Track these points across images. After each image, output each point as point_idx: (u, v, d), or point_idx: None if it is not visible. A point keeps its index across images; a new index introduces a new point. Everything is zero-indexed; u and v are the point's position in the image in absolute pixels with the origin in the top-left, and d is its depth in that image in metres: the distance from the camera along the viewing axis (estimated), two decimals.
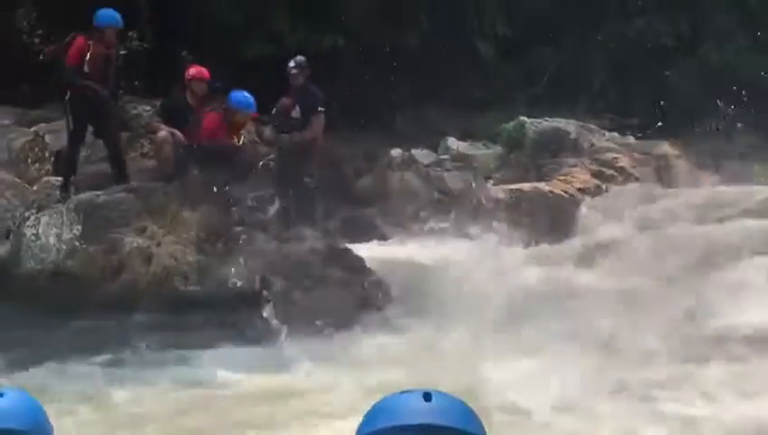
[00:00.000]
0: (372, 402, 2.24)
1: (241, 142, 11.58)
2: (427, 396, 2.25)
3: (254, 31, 16.46)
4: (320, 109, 11.63)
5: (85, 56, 10.67)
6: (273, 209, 12.44)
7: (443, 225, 13.56)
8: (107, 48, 10.95)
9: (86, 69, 10.68)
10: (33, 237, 10.28)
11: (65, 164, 11.22)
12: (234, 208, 10.94)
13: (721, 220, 11.42)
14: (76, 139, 11.00)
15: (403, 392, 2.28)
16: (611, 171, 13.95)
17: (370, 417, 2.24)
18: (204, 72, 11.61)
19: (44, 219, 10.37)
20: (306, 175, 11.72)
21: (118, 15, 11.02)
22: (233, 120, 11.17)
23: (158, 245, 10.19)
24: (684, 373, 8.13)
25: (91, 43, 10.71)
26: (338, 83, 15.34)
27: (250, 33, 16.47)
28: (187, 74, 11.57)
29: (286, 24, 16.60)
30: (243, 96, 11.15)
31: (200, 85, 11.46)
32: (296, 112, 11.73)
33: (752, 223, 11.08)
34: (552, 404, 7.45)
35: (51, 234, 10.27)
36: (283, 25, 16.57)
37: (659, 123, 17.88)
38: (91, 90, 10.60)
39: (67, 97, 10.70)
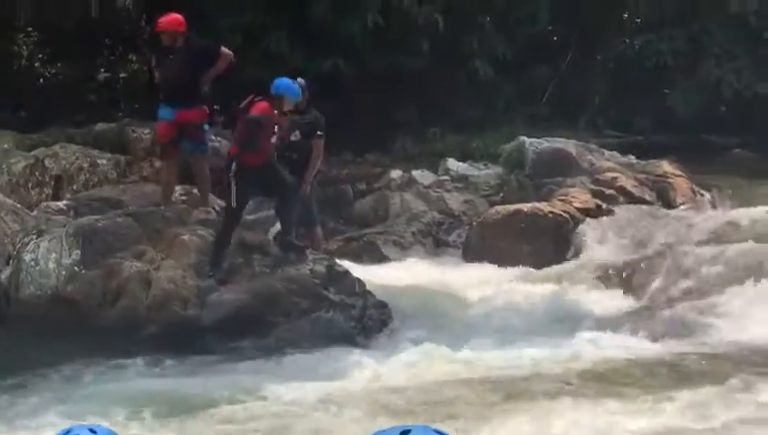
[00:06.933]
0: (366, 428, 2.22)
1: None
2: (406, 433, 2.20)
3: (252, 51, 16.47)
4: (319, 133, 11.44)
5: None
6: (273, 231, 12.41)
7: (443, 246, 13.56)
8: None
9: None
10: (32, 263, 10.26)
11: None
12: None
13: (723, 242, 11.37)
14: None
15: (379, 432, 2.22)
16: (611, 191, 13.92)
17: None
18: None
19: (44, 244, 10.35)
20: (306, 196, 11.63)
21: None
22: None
23: (157, 269, 10.16)
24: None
25: None
26: (338, 106, 15.35)
27: (249, 54, 16.47)
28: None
29: (286, 46, 16.61)
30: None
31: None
32: (296, 136, 11.58)
33: (757, 246, 11.01)
34: None
35: (50, 259, 10.24)
36: (282, 47, 16.57)
37: (659, 142, 17.87)
38: None
39: None
